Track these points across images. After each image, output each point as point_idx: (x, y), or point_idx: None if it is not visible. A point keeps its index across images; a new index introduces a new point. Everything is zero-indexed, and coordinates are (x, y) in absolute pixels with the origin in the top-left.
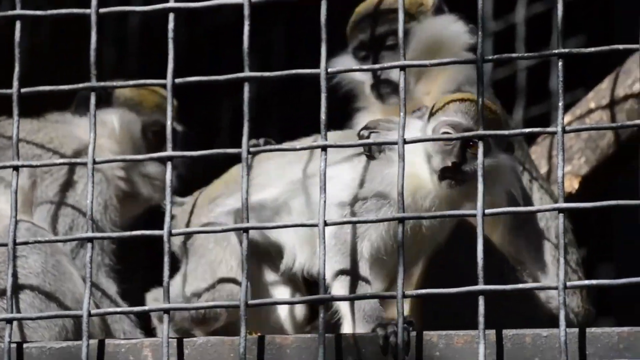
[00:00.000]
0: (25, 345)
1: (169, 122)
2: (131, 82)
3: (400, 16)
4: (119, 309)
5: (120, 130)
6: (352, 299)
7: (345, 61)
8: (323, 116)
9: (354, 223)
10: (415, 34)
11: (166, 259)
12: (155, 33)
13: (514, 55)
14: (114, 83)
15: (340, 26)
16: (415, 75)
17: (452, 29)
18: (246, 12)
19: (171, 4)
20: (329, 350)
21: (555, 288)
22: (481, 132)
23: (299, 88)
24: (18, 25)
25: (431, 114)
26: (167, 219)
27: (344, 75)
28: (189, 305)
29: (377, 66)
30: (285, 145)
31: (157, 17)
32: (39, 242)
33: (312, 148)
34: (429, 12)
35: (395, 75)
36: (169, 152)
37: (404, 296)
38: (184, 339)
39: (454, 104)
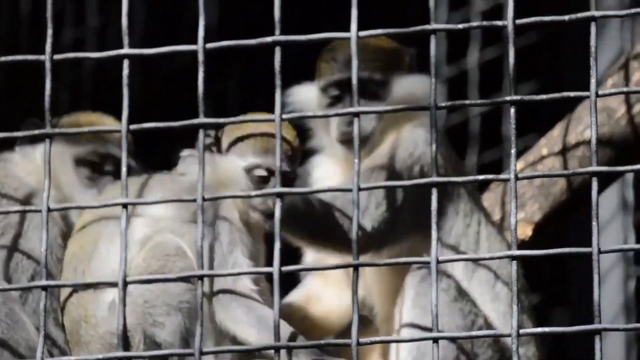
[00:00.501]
0: None
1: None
2: (86, 129)
3: (354, 63)
4: (72, 358)
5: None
6: None
7: (309, 93)
8: (278, 163)
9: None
10: (393, 88)
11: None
12: (110, 77)
13: (467, 102)
14: (70, 130)
15: (296, 70)
16: (381, 126)
17: (426, 90)
18: (200, 58)
19: (126, 51)
20: None
21: (509, 335)
22: (435, 179)
23: None
24: None
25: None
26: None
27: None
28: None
29: (331, 113)
30: (239, 192)
31: (112, 63)
32: None
33: (266, 194)
34: (405, 68)
35: (368, 124)
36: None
37: (359, 344)
38: None
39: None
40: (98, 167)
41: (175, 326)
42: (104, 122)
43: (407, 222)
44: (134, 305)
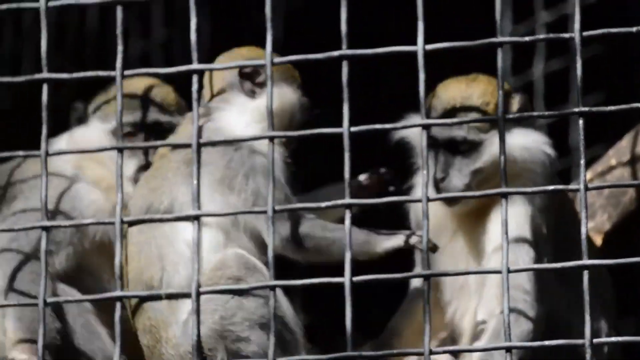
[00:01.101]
0: None
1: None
2: (158, 143)
3: (421, 77)
4: None
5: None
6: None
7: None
8: (346, 175)
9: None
10: (487, 147)
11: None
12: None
13: (535, 113)
14: (140, 144)
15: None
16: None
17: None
18: (268, 72)
19: (195, 66)
20: None
21: (583, 345)
22: (504, 189)
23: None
24: (45, 88)
25: None
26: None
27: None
28: None
29: (399, 125)
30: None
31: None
32: (69, 301)
33: (336, 206)
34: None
35: (459, 181)
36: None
37: (431, 353)
38: None
39: None
40: (132, 136)
41: (260, 338)
42: (155, 88)
43: None
44: (211, 322)
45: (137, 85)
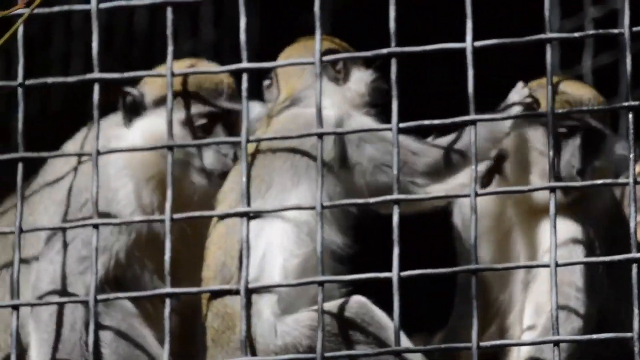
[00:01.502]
0: None
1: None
2: (208, 140)
3: (470, 73)
4: None
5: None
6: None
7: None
8: (395, 171)
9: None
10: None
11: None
12: None
13: (584, 108)
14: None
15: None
16: None
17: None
18: (317, 70)
19: (245, 65)
20: None
21: (631, 337)
22: (553, 184)
23: None
24: (96, 87)
25: None
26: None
27: None
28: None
29: (448, 121)
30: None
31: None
32: (119, 298)
33: (384, 201)
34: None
35: None
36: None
37: (479, 348)
38: None
39: None
40: (208, 126)
41: None
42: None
43: None
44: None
45: (211, 76)
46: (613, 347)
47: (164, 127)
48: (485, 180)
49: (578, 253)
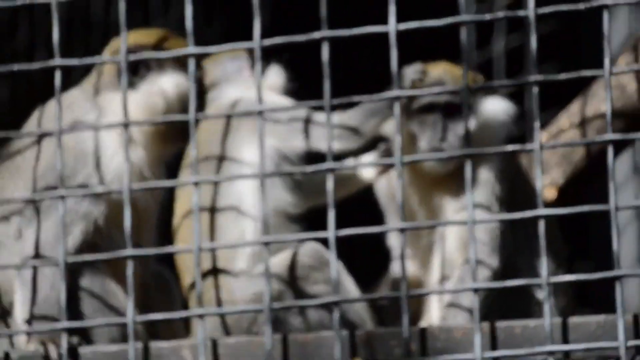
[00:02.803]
0: (81, 349)
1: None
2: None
3: (394, 54)
4: (160, 315)
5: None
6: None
7: None
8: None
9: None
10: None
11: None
12: None
13: (495, 82)
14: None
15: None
16: None
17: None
18: (257, 54)
19: (192, 50)
20: (345, 346)
21: (540, 285)
22: (469, 149)
23: None
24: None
25: None
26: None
27: None
28: (222, 310)
29: (375, 97)
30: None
31: None
32: (86, 260)
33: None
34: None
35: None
36: None
37: (408, 297)
38: (218, 340)
39: None
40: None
41: None
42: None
43: None
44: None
45: None
46: (519, 297)
47: (171, 90)
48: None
49: (478, 212)
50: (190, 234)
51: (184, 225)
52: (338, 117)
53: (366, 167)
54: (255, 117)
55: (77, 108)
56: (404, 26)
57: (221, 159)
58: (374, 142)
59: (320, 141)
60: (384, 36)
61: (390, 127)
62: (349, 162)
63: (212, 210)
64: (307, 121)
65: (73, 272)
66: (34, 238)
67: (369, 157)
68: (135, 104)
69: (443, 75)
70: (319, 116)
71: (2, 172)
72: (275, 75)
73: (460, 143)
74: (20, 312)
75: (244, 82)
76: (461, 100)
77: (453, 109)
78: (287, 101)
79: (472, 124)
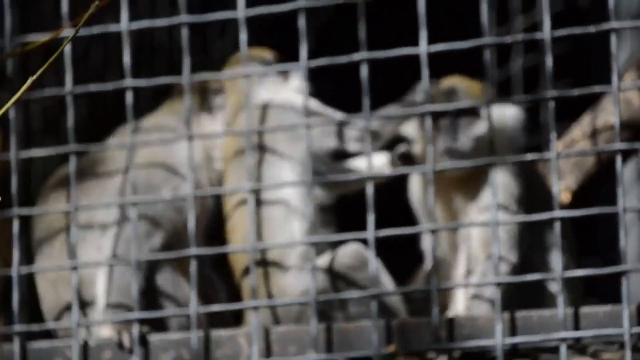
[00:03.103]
0: (150, 337)
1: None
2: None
3: (425, 73)
4: (219, 307)
5: None
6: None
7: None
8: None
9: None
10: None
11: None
12: None
13: (515, 98)
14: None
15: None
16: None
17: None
18: (305, 75)
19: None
20: (381, 335)
21: (554, 278)
22: (493, 158)
23: None
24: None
25: None
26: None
27: None
28: (274, 302)
29: (407, 109)
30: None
31: None
32: (158, 259)
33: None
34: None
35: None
36: None
37: (438, 290)
38: (270, 329)
39: None
40: None
41: None
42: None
43: None
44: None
45: None
46: (534, 289)
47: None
48: (398, 162)
49: (499, 213)
50: (242, 232)
51: (236, 222)
52: (360, 121)
53: (398, 173)
54: (294, 120)
55: (165, 127)
56: (434, 48)
57: (261, 157)
58: (393, 142)
59: (349, 143)
60: (411, 58)
61: (409, 129)
62: (382, 165)
63: (260, 205)
64: (341, 124)
65: (151, 270)
66: (118, 238)
67: (385, 156)
68: (211, 125)
69: (455, 83)
70: (348, 119)
71: (88, 178)
72: (298, 79)
73: (472, 144)
74: (101, 303)
75: (272, 84)
76: (481, 110)
77: (464, 112)
78: (315, 103)
79: (484, 127)
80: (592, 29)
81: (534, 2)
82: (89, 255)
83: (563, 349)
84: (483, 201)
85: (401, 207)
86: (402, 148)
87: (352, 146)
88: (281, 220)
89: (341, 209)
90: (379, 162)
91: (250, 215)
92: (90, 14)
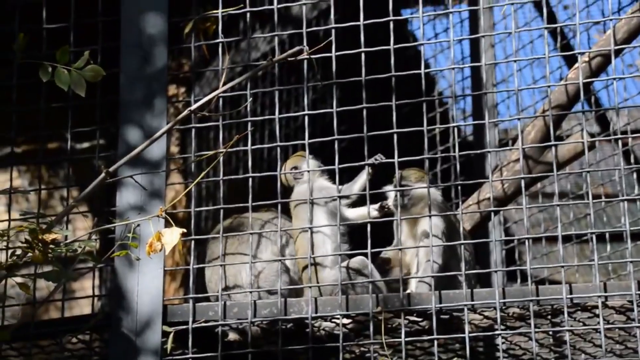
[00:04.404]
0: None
1: None
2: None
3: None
4: (294, 287)
5: None
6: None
7: None
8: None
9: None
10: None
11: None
12: None
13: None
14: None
15: None
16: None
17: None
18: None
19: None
20: (374, 300)
21: (461, 274)
22: (433, 213)
23: None
24: None
25: None
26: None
27: None
28: (320, 284)
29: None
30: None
31: None
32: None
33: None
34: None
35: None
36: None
37: (403, 280)
38: (317, 299)
39: None
40: None
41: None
42: None
43: None
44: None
45: None
46: (451, 280)
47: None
48: (382, 211)
49: (434, 239)
50: (304, 246)
51: (299, 243)
52: (347, 189)
53: (381, 219)
54: (329, 195)
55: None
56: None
57: (311, 210)
58: (377, 198)
59: (347, 200)
60: None
61: (387, 189)
62: (374, 213)
63: (311, 234)
64: (341, 192)
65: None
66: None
67: (374, 206)
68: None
69: (406, 173)
70: (346, 190)
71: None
72: (314, 166)
73: (408, 202)
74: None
75: (313, 174)
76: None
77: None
78: (327, 181)
79: (417, 195)
80: None
81: None
82: (266, 250)
83: (466, 311)
84: (425, 230)
85: (384, 233)
86: (384, 203)
87: (347, 201)
88: (321, 242)
89: (352, 235)
90: (373, 211)
91: (307, 239)
92: None
